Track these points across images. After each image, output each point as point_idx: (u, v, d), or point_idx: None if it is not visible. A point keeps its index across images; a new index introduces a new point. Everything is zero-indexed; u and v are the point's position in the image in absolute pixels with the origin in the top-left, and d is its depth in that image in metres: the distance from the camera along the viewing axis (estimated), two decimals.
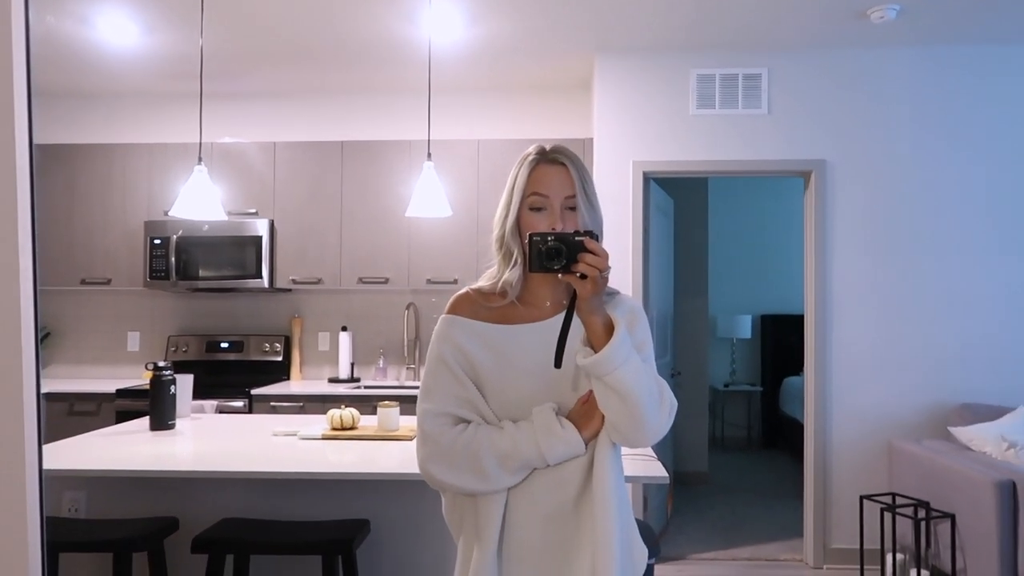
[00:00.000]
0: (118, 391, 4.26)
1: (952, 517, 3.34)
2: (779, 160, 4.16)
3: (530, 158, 1.45)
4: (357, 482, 2.50)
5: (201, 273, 4.51)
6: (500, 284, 1.46)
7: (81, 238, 4.65)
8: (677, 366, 5.29)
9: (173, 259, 4.49)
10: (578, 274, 1.27)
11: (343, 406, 2.90)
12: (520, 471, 1.37)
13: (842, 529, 4.07)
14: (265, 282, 4.49)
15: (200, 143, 3.41)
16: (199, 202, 3.13)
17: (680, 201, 5.49)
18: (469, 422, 1.40)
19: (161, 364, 2.98)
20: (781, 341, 7.31)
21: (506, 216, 1.45)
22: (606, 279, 1.30)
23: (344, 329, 4.73)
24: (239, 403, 4.21)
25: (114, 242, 4.64)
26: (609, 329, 1.30)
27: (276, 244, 4.57)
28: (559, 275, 1.30)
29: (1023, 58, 4.08)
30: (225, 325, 4.92)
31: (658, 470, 2.24)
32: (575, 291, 1.30)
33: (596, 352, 1.29)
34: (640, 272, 4.18)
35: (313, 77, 4.68)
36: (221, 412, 4.10)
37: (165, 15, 3.76)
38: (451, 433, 1.38)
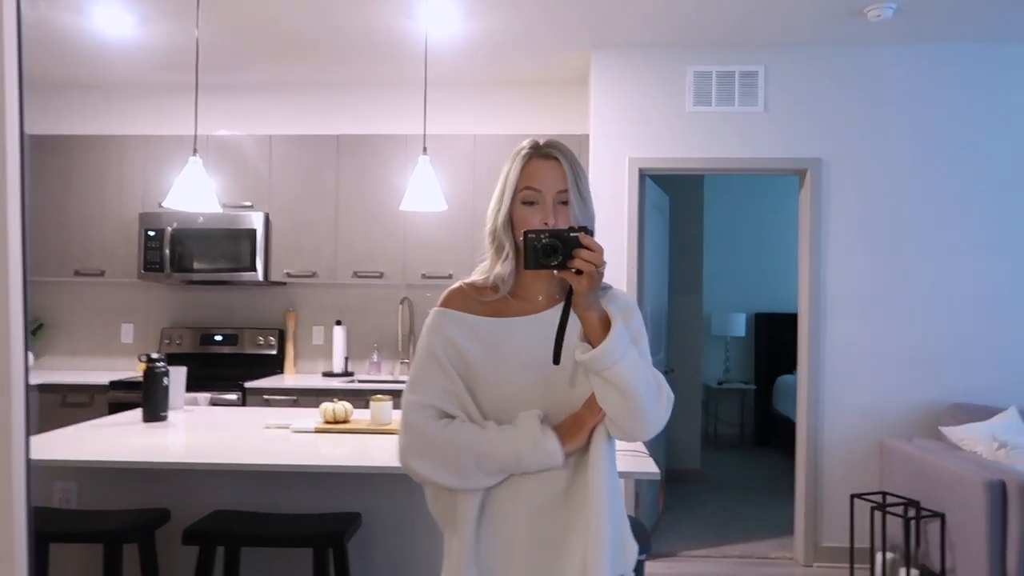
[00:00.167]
0: (111, 383, 4.26)
1: (942, 516, 3.35)
2: (775, 158, 4.16)
3: (523, 152, 1.45)
4: (349, 475, 2.51)
5: (196, 265, 4.50)
6: (492, 278, 1.46)
7: (76, 229, 4.64)
8: (671, 363, 5.30)
9: (168, 251, 4.48)
10: (574, 270, 1.27)
11: (336, 400, 2.90)
12: (497, 474, 1.38)
13: (833, 527, 4.08)
14: (260, 275, 4.49)
15: (195, 135, 3.40)
16: (193, 194, 3.12)
17: (676, 198, 5.49)
18: (454, 417, 1.41)
19: (154, 355, 2.98)
20: (775, 339, 7.32)
21: (498, 210, 1.45)
22: (602, 274, 1.30)
23: (338, 323, 4.73)
24: (233, 396, 4.20)
25: (109, 234, 4.63)
26: (606, 324, 1.30)
27: (271, 237, 4.56)
28: (555, 272, 1.30)
29: (1019, 57, 4.09)
30: (219, 318, 4.91)
31: (649, 466, 2.24)
32: (571, 287, 1.30)
33: (594, 347, 1.29)
34: (635, 269, 4.18)
35: (310, 71, 4.67)
36: (214, 405, 4.09)
37: (160, 6, 3.74)
38: (434, 426, 1.39)
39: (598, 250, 1.28)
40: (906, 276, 4.11)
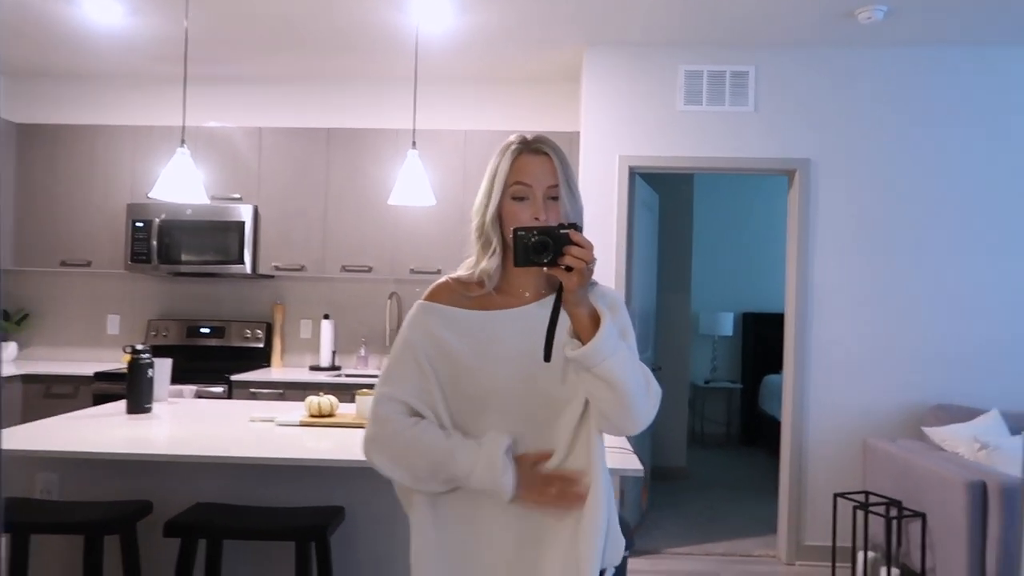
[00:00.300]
0: (96, 374, 4.23)
1: (923, 516, 3.38)
2: (764, 158, 4.18)
3: (512, 147, 1.44)
4: (333, 469, 2.50)
5: (183, 257, 4.47)
6: (478, 273, 1.46)
7: (63, 219, 4.61)
8: (658, 361, 5.31)
9: (155, 243, 4.46)
10: (564, 267, 1.27)
11: (321, 393, 2.89)
12: (448, 483, 1.39)
13: (816, 526, 4.11)
14: (248, 268, 4.47)
15: (183, 126, 3.38)
16: (180, 184, 3.10)
17: (665, 197, 5.50)
18: (423, 416, 1.41)
19: (139, 347, 2.96)
20: (762, 339, 7.35)
21: (487, 205, 1.44)
22: (592, 271, 1.30)
23: (326, 317, 4.72)
24: (219, 388, 4.19)
25: (95, 224, 4.60)
26: (595, 320, 1.30)
27: (260, 230, 4.54)
28: (545, 268, 1.30)
29: (1007, 60, 4.12)
30: (206, 310, 4.89)
31: (633, 463, 2.25)
32: (560, 284, 1.29)
33: (584, 343, 1.29)
34: (623, 267, 4.19)
35: (300, 63, 4.65)
36: (200, 397, 4.08)
37: None
38: (400, 423, 1.40)
39: (588, 247, 1.27)
40: (893, 277, 4.14)
